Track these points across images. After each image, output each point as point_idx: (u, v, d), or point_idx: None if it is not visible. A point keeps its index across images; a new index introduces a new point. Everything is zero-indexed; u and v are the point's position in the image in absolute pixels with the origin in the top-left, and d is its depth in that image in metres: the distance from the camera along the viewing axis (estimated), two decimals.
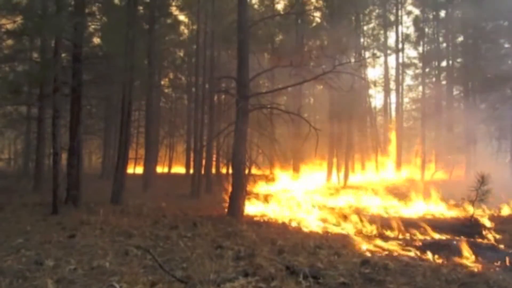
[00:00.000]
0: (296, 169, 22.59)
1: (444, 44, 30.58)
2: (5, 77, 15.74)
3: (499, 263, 6.31)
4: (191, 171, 18.79)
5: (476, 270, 5.91)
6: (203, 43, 18.07)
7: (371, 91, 36.45)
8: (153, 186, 18.50)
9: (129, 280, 4.95)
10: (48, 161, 19.04)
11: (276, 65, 11.35)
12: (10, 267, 5.47)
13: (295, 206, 12.21)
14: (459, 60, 29.07)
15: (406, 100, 38.70)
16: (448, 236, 8.36)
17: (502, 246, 7.56)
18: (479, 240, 8.16)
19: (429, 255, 6.70)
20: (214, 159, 20.79)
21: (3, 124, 18.76)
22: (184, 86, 29.30)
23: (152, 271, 5.41)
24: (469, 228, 8.87)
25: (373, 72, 41.55)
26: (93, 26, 13.86)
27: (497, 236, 8.53)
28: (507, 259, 6.37)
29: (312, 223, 10.09)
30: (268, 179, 16.82)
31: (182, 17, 25.29)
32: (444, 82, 31.46)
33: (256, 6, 24.64)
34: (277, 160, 22.79)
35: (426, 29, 32.04)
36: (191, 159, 21.11)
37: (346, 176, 23.07)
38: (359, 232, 9.17)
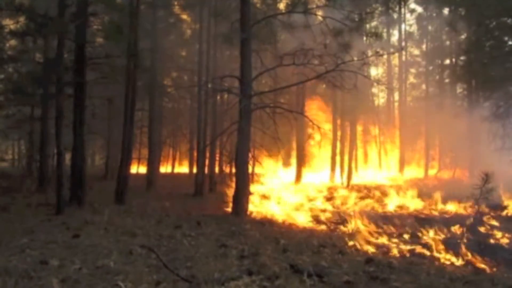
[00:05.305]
0: (299, 168, 22.55)
1: (448, 42, 30.46)
2: (9, 78, 15.80)
3: (504, 261, 6.29)
4: (195, 170, 18.79)
5: (481, 268, 5.89)
6: (206, 42, 18.06)
7: (374, 90, 36.34)
8: (157, 185, 18.52)
9: (134, 279, 4.96)
10: (51, 162, 19.08)
11: (279, 64, 11.32)
12: (15, 267, 5.48)
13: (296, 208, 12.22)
14: (462, 58, 28.94)
15: (409, 98, 38.58)
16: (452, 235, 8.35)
17: (507, 245, 7.53)
18: (484, 238, 8.13)
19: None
20: (217, 158, 20.79)
21: (7, 125, 18.79)
22: (187, 85, 29.25)
23: (157, 270, 5.41)
24: (473, 227, 8.84)
25: (376, 71, 41.31)
26: (95, 26, 13.89)
27: (502, 235, 8.50)
28: None
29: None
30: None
31: (184, 16, 25.25)
32: (447, 80, 31.34)
33: (258, 5, 24.60)
34: (280, 158, 22.72)
35: (429, 27, 31.96)
36: (195, 158, 21.12)
37: (349, 176, 23.00)
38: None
